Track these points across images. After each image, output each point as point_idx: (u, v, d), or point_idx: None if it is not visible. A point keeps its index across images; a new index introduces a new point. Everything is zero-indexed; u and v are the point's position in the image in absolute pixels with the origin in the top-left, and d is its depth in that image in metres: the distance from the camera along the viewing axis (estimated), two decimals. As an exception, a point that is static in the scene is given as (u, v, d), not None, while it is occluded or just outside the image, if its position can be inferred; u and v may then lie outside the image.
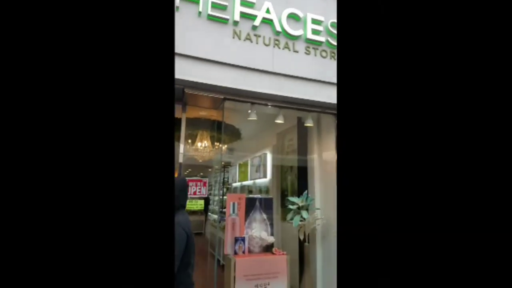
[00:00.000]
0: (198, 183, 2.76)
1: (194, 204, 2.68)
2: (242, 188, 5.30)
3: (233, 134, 3.87)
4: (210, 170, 9.80)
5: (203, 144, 3.97)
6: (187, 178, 2.89)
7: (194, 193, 2.73)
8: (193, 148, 3.99)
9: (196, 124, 3.74)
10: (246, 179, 5.09)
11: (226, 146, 4.05)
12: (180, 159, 2.80)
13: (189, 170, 10.81)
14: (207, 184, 2.82)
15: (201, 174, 9.61)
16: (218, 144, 3.91)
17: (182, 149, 2.81)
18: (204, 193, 2.76)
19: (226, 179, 6.69)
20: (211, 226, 5.62)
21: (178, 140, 4.09)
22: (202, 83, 2.39)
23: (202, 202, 2.71)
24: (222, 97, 2.60)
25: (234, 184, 5.89)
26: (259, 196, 2.97)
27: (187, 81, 2.35)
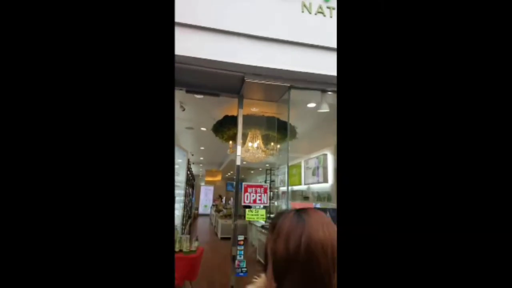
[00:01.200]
0: (258, 190, 2.33)
1: (255, 214, 2.26)
2: (294, 193, 4.78)
3: (289, 131, 3.39)
4: (252, 172, 9.47)
5: (254, 144, 3.56)
6: (244, 183, 2.51)
7: (254, 201, 2.31)
8: (243, 149, 3.60)
9: (247, 122, 3.35)
10: (298, 183, 4.57)
11: (278, 146, 3.60)
12: (238, 162, 2.41)
13: (231, 172, 10.63)
14: (268, 191, 2.38)
15: (242, 176, 9.32)
16: (272, 144, 3.47)
17: (239, 150, 2.42)
18: (265, 201, 2.32)
19: (272, 182, 6.25)
20: (256, 231, 5.19)
21: (232, 140, 3.76)
22: (266, 68, 1.96)
23: (263, 212, 2.28)
24: (289, 85, 2.14)
25: (282, 189, 5.41)
26: (330, 206, 2.43)
27: (248, 66, 1.94)
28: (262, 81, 2.08)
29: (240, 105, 2.42)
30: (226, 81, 2.12)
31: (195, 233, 7.84)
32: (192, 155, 8.10)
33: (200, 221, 10.94)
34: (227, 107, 3.35)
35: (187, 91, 2.27)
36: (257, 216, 2.27)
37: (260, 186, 2.34)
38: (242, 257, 2.15)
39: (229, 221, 7.20)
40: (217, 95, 2.36)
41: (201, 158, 8.98)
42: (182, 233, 4.75)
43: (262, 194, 2.32)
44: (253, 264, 4.55)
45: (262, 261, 4.53)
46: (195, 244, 3.29)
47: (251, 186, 2.33)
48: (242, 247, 2.18)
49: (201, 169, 12.00)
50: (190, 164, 6.79)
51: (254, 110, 3.40)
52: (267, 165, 7.01)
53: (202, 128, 4.86)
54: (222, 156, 7.99)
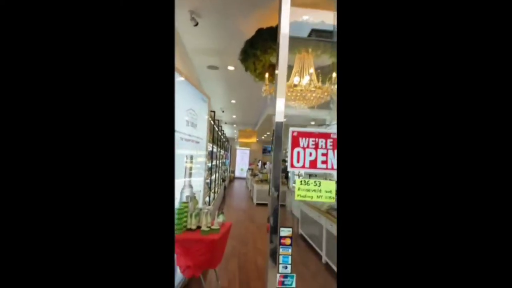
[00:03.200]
0: (321, 142, 1.17)
1: (315, 190, 1.15)
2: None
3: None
4: (292, 132, 8.28)
5: (303, 78, 2.32)
6: (293, 128, 1.36)
7: (312, 163, 1.17)
8: (286, 85, 2.38)
9: (293, 40, 2.08)
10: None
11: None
12: (279, 118, 1.25)
13: (267, 133, 9.57)
14: (336, 141, 1.20)
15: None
16: (335, 76, 2.18)
17: (281, 88, 1.25)
18: (331, 166, 1.18)
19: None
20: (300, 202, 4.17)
21: (269, 73, 2.56)
22: None
23: (332, 186, 1.15)
24: None
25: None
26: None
27: None
28: None
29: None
30: None
31: (231, 197, 7.25)
32: (223, 111, 7.12)
33: (236, 185, 10.57)
34: (262, 14, 2.10)
35: None
36: (319, 194, 1.16)
37: (326, 136, 1.18)
38: (288, 268, 1.12)
39: (265, 186, 6.37)
40: None
41: (234, 117, 8.00)
42: (208, 203, 3.96)
43: (329, 151, 1.17)
44: (295, 240, 3.63)
45: (306, 237, 3.58)
46: (219, 219, 2.38)
47: (306, 135, 1.18)
48: (289, 250, 1.13)
49: (235, 131, 11.18)
50: (217, 120, 5.81)
51: (304, 17, 2.09)
52: (312, 122, 5.73)
53: (230, 67, 3.70)
54: (258, 111, 6.86)
